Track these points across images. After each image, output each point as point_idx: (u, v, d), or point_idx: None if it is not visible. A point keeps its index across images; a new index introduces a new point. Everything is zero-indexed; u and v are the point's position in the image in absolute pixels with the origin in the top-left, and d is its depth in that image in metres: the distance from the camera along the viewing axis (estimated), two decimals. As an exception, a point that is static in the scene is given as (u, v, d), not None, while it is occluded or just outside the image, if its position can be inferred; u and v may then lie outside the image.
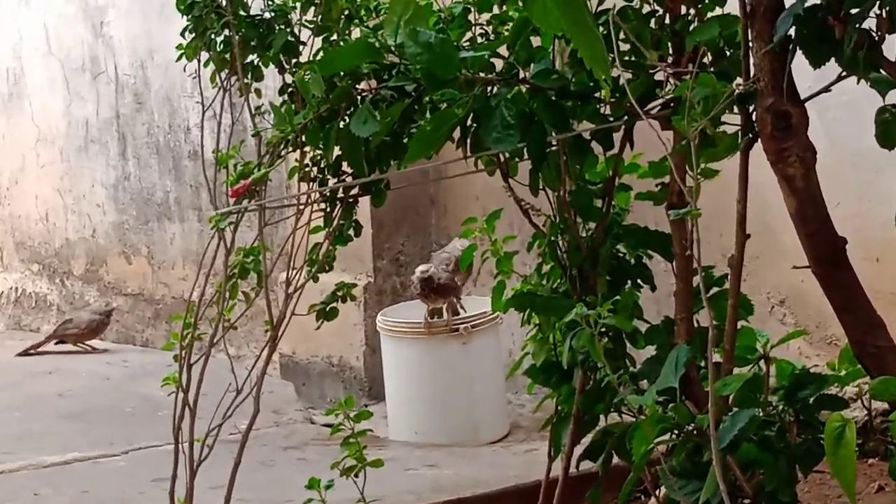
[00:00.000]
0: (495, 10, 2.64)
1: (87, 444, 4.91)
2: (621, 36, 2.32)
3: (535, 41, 2.43)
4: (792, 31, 2.10)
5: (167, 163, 6.69)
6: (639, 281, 2.68)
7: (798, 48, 2.13)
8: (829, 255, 2.23)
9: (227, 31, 2.89)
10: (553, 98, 2.38)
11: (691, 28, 2.36)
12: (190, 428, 2.95)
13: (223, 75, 2.97)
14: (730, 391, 2.24)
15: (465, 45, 2.56)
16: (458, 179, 4.73)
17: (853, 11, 2.04)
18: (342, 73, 2.54)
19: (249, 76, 2.94)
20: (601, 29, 2.19)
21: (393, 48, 2.40)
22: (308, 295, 2.90)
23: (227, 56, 2.92)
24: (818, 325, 4.16)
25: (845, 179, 3.95)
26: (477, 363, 4.93)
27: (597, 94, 2.42)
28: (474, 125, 2.37)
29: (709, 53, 2.34)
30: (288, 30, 2.89)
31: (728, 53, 2.34)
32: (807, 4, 2.10)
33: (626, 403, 2.48)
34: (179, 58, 3.00)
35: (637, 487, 2.57)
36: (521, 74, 2.40)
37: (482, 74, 2.34)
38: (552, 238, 2.66)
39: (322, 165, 2.77)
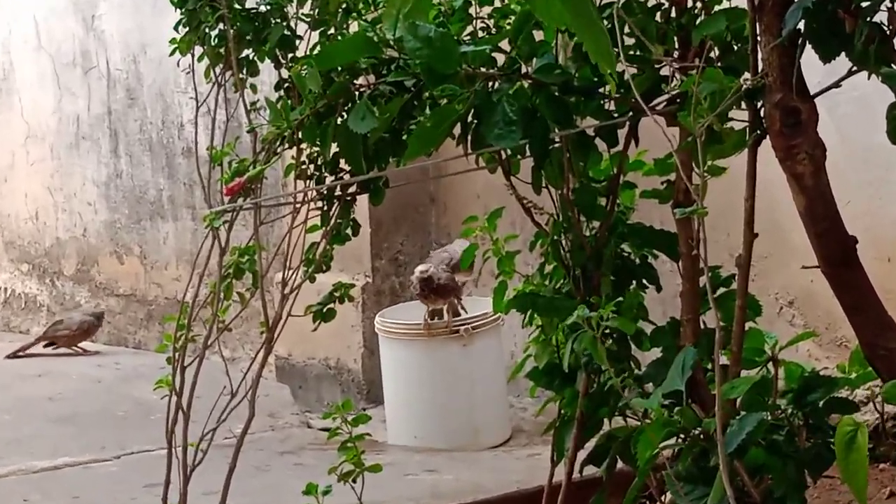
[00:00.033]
0: (497, 3, 2.64)
1: (78, 448, 4.91)
2: (626, 30, 2.32)
3: (538, 35, 2.43)
4: (801, 25, 2.10)
5: (160, 160, 6.69)
6: (644, 281, 2.68)
7: (807, 42, 2.13)
8: (839, 255, 2.23)
9: (221, 25, 2.89)
10: (556, 93, 2.38)
11: (698, 22, 2.36)
12: (183, 432, 2.95)
13: (218, 70, 2.98)
14: (737, 394, 2.23)
15: (465, 39, 2.56)
16: (458, 177, 4.73)
17: (864, 4, 2.04)
18: (340, 68, 2.54)
19: (245, 71, 2.95)
20: (605, 23, 2.19)
21: (392, 42, 2.40)
22: (305, 296, 2.90)
23: (222, 50, 2.93)
24: (828, 327, 4.16)
25: (856, 177, 3.95)
26: (478, 365, 4.94)
27: (601, 90, 2.42)
28: (475, 121, 2.37)
29: (716, 48, 2.33)
30: (284, 23, 2.90)
31: (735, 48, 2.34)
32: (816, -3, 2.10)
33: (631, 407, 2.48)
34: (173, 52, 3.00)
35: (642, 493, 2.56)
36: (524, 69, 2.40)
37: (483, 69, 2.34)
38: (555, 237, 2.66)
39: (319, 163, 2.77)
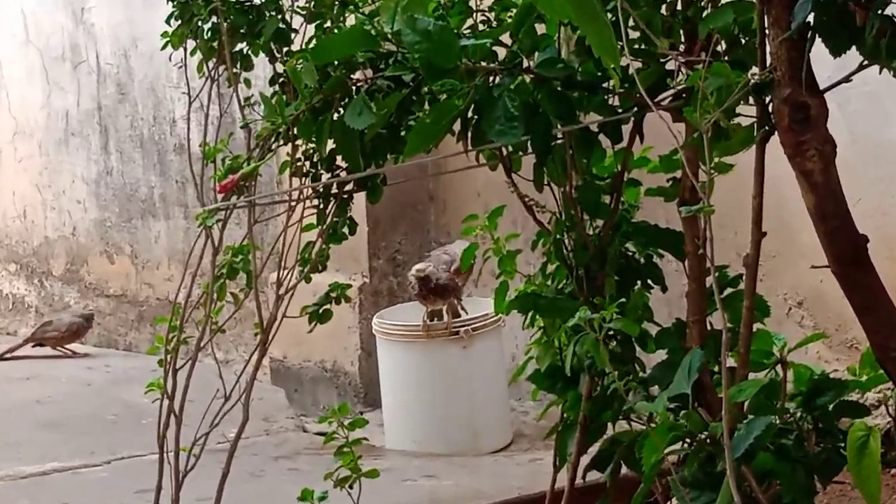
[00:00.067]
0: (497, -5, 2.64)
1: (67, 453, 4.92)
2: (630, 23, 2.32)
3: (540, 28, 2.43)
4: (811, 18, 2.10)
5: (152, 157, 6.69)
6: (649, 281, 2.68)
7: (817, 36, 2.13)
8: (849, 254, 2.23)
9: (214, 18, 2.89)
10: (559, 88, 2.38)
11: (704, 14, 2.36)
12: (175, 436, 2.95)
13: (211, 64, 2.98)
14: (745, 398, 2.24)
15: (465, 32, 2.56)
16: (458, 175, 4.72)
17: (875, -3, 2.04)
18: (336, 63, 2.54)
19: (238, 65, 2.95)
20: (609, 15, 2.19)
21: (390, 36, 2.40)
22: (300, 296, 2.90)
23: (215, 44, 2.92)
24: (838, 328, 4.16)
25: (867, 174, 3.95)
26: (478, 368, 4.94)
27: (605, 85, 2.42)
28: (475, 117, 2.36)
29: (723, 41, 2.33)
30: (279, 16, 2.90)
31: (743, 41, 2.34)
32: (827, -11, 2.10)
33: (636, 411, 2.48)
34: (164, 46, 3.00)
35: (647, 499, 2.56)
36: (525, 63, 2.40)
37: (484, 63, 2.34)
38: (557, 236, 2.66)
39: (315, 159, 2.77)
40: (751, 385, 2.24)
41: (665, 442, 2.22)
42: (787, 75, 2.13)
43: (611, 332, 2.39)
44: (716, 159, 2.25)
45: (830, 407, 2.30)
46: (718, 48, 2.33)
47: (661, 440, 2.22)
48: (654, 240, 2.66)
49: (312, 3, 2.88)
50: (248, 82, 2.98)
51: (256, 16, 2.89)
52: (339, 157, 2.70)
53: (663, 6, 2.41)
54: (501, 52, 2.41)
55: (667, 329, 2.58)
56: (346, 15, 2.87)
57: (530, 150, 2.45)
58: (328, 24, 2.88)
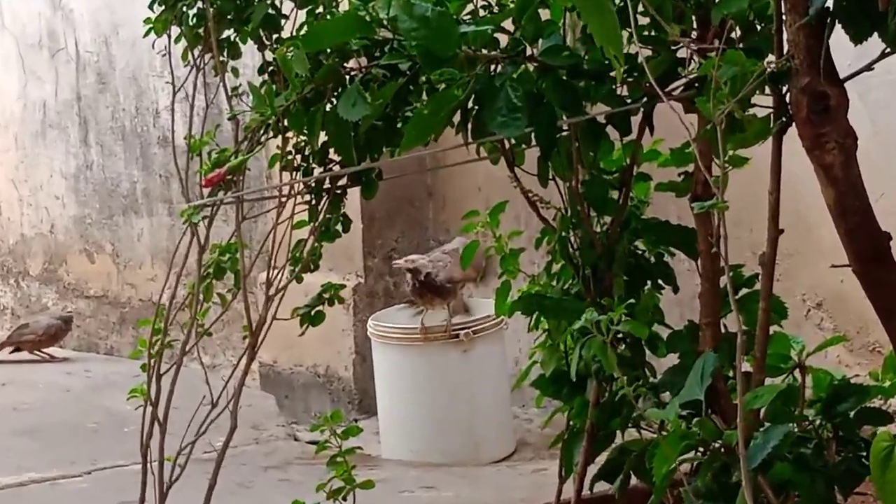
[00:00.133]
0: (499, -21, 2.64)
1: (45, 463, 4.91)
2: (640, 8, 2.32)
3: (544, 14, 2.43)
4: (830, 3, 2.10)
5: (134, 150, 6.69)
6: (659, 281, 2.68)
7: (837, 22, 2.13)
8: (871, 252, 2.23)
9: (200, 3, 2.89)
10: (564, 78, 2.38)
11: (717, -1, 2.36)
12: (160, 446, 2.96)
13: (196, 52, 2.98)
14: (761, 404, 2.24)
15: (465, 18, 2.56)
16: (458, 169, 4.74)
17: (898, -19, 2.04)
18: (329, 50, 2.54)
19: (226, 53, 2.95)
20: (617, 1, 2.19)
21: (385, 22, 2.40)
22: (291, 297, 2.90)
23: (201, 31, 2.92)
24: (859, 331, 4.17)
25: (889, 168, 3.95)
26: (479, 373, 4.94)
27: (612, 73, 2.42)
28: (476, 108, 2.37)
29: (737, 27, 2.33)
30: (268, 1, 2.89)
31: (759, 27, 2.34)
32: (847, -27, 2.10)
33: (646, 418, 2.48)
34: (147, 33, 3.00)
35: (658, 511, 2.57)
36: (529, 51, 2.40)
37: (485, 51, 2.34)
38: (563, 234, 2.66)
39: (306, 153, 2.77)
40: (767, 391, 2.24)
41: (677, 451, 2.23)
42: (806, 63, 2.13)
43: (619, 335, 2.39)
44: (730, 152, 2.26)
45: (851, 414, 2.30)
46: (733, 35, 2.33)
47: (672, 449, 2.22)
48: (664, 237, 2.67)
49: (304, -13, 2.88)
50: (235, 71, 2.98)
51: (244, 1, 2.89)
52: (331, 151, 2.70)
53: (675, -9, 2.41)
54: (503, 40, 2.41)
55: (678, 332, 2.58)
56: (339, 0, 2.88)
57: (534, 142, 2.45)
58: (320, 9, 2.88)
